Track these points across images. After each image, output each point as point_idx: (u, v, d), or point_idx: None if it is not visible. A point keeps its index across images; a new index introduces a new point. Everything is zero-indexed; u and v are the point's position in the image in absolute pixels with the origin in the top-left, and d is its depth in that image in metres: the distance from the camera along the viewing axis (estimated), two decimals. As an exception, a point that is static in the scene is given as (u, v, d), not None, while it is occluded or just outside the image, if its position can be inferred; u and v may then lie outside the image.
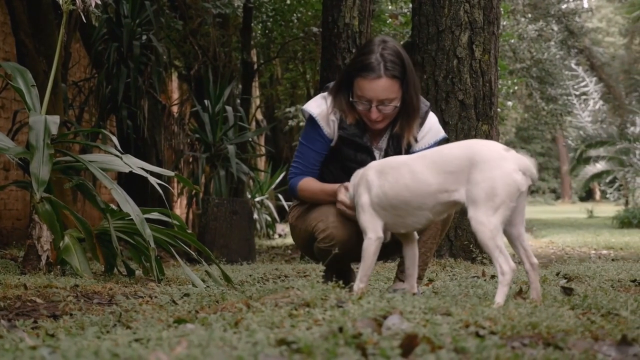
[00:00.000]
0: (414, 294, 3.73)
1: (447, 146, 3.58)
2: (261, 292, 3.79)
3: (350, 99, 3.97)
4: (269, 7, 14.25)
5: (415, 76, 3.97)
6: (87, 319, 3.18)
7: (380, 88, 3.86)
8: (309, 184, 4.11)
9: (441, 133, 4.16)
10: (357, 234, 3.87)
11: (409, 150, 4.04)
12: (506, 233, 3.47)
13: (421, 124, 4.07)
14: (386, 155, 4.04)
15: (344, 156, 4.08)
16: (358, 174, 3.78)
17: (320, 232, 3.98)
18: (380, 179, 3.62)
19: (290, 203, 16.81)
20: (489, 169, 3.33)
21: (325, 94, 4.12)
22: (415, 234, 3.83)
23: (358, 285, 3.64)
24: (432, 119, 4.15)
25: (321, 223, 3.98)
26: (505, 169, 3.32)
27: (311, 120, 4.10)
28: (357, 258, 4.06)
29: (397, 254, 4.18)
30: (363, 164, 3.87)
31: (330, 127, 4.07)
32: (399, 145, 4.06)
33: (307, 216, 4.10)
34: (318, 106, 4.10)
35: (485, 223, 3.32)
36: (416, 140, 4.06)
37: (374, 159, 4.01)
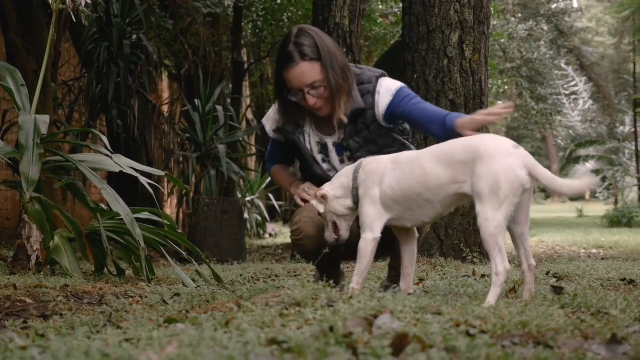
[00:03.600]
0: (409, 294, 3.73)
1: (458, 139, 3.56)
2: (252, 291, 3.79)
3: (286, 94, 4.00)
4: (259, 7, 14.24)
5: (336, 56, 3.94)
6: (77, 319, 3.17)
7: (302, 73, 3.89)
8: (278, 172, 4.35)
9: (394, 87, 4.03)
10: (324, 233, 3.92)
11: (371, 124, 4.02)
12: (510, 231, 3.47)
13: (373, 91, 4.01)
14: (356, 135, 4.02)
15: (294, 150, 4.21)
16: (364, 169, 3.71)
17: (293, 225, 4.06)
18: (396, 171, 3.59)
19: (281, 203, 16.73)
20: (493, 163, 3.31)
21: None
22: (416, 232, 3.83)
23: (353, 287, 3.62)
24: (383, 83, 4.05)
25: (297, 216, 4.06)
26: (508, 164, 3.30)
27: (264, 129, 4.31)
28: (338, 259, 4.10)
29: (388, 254, 4.18)
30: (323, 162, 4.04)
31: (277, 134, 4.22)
32: (361, 125, 4.02)
33: (297, 209, 4.17)
34: (269, 119, 4.23)
35: (491, 219, 3.30)
36: (348, 118, 4.00)
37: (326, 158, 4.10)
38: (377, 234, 3.63)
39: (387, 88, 4.03)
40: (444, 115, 3.81)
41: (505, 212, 3.31)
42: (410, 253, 3.83)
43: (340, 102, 3.95)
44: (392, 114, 3.99)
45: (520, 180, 3.31)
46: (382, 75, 4.09)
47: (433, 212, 3.60)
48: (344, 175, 3.79)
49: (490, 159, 3.33)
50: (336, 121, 4.00)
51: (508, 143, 3.39)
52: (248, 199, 15.30)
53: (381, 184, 3.62)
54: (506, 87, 21.68)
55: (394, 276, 4.15)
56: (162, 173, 5.66)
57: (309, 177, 4.18)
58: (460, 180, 3.43)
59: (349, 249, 3.91)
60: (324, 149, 4.09)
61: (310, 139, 4.10)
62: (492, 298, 3.28)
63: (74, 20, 5.94)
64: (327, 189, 3.78)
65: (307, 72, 3.89)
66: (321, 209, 3.77)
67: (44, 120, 4.88)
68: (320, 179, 4.06)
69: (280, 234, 16.26)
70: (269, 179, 16.16)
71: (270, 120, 4.19)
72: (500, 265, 3.31)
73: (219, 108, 11.11)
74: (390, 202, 3.61)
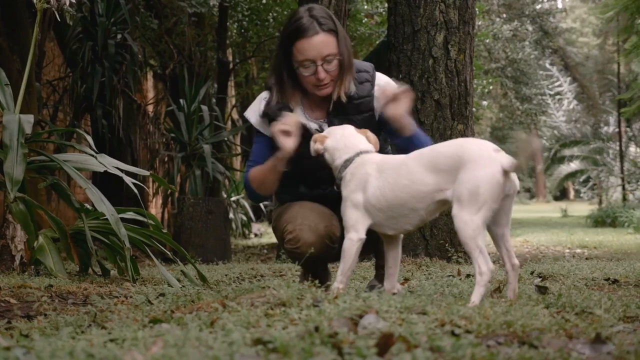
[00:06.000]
0: (393, 293, 3.72)
1: (441, 144, 3.56)
2: (237, 291, 3.78)
3: (296, 67, 3.94)
4: (244, 7, 14.22)
5: (345, 31, 4.00)
6: (62, 319, 3.16)
7: (321, 44, 3.86)
8: (255, 169, 4.07)
9: (394, 84, 4.09)
10: (324, 238, 3.88)
11: (366, 111, 4.05)
12: (490, 232, 3.47)
13: (372, 81, 4.06)
14: (348, 122, 3.98)
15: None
16: (351, 169, 3.68)
17: (288, 234, 3.95)
18: (380, 180, 3.57)
19: (266, 203, 16.71)
20: (475, 169, 3.31)
21: (264, 93, 4.13)
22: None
23: (336, 286, 3.61)
24: (382, 76, 4.14)
25: (290, 225, 3.95)
26: (491, 170, 3.30)
27: (251, 125, 4.15)
28: (329, 260, 4.07)
29: (371, 252, 4.17)
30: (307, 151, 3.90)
31: (263, 121, 4.08)
32: (353, 111, 4.03)
33: (281, 217, 4.09)
34: (253, 111, 4.12)
35: (468, 222, 3.30)
36: (357, 97, 4.02)
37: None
38: (362, 234, 3.62)
39: (387, 83, 4.09)
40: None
41: (483, 216, 3.31)
42: (394, 253, 3.81)
43: (346, 79, 3.97)
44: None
45: (500, 187, 3.31)
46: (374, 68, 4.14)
47: (417, 219, 3.59)
48: (337, 153, 3.76)
49: (472, 165, 3.33)
50: (335, 97, 3.98)
51: (489, 147, 3.38)
52: (233, 198, 15.30)
53: (365, 191, 3.60)
54: (491, 87, 21.77)
55: (381, 275, 4.15)
56: (147, 173, 5.64)
57: (295, 176, 4.13)
58: (444, 188, 3.43)
59: (326, 253, 3.91)
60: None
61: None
62: (476, 298, 3.28)
63: (59, 19, 5.91)
64: (329, 143, 3.80)
65: (326, 42, 3.87)
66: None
67: (28, 119, 4.86)
68: (307, 173, 4.05)
69: (266, 233, 16.26)
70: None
71: (256, 112, 4.10)
72: (483, 265, 3.31)
73: (204, 108, 11.10)
74: (373, 210, 3.60)
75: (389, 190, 3.54)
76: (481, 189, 3.29)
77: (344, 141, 3.76)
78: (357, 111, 4.02)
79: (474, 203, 3.29)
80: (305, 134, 3.92)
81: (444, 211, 3.67)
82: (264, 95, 4.11)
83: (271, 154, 4.02)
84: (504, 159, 3.34)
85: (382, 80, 4.09)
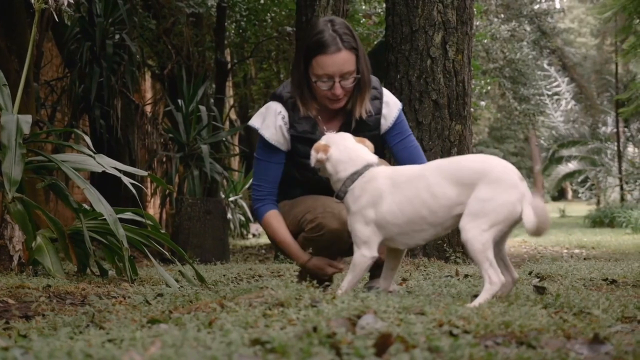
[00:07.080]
0: (389, 291, 3.70)
1: (463, 158, 3.52)
2: (235, 292, 3.78)
3: (313, 80, 3.93)
4: (242, 7, 14.21)
5: (363, 48, 4.00)
6: (60, 319, 3.15)
7: (342, 61, 3.86)
8: (277, 223, 4.07)
9: (398, 102, 4.19)
10: (346, 226, 3.77)
11: (374, 129, 4.07)
12: None
13: (380, 98, 4.09)
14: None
15: (298, 153, 4.04)
16: (360, 183, 3.59)
17: (309, 223, 3.93)
18: (395, 194, 3.49)
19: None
20: (499, 192, 3.30)
21: (270, 103, 4.11)
22: None
23: (339, 293, 3.54)
24: (387, 92, 4.18)
25: (309, 214, 3.94)
26: (513, 197, 3.29)
27: (261, 137, 4.09)
28: (342, 253, 4.03)
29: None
30: None
31: (279, 135, 4.05)
32: (362, 127, 4.03)
33: (290, 212, 4.07)
34: (267, 126, 4.07)
35: (477, 237, 3.29)
36: (370, 114, 4.05)
37: None
38: (375, 253, 3.57)
39: (394, 102, 4.15)
40: None
41: (492, 233, 3.30)
42: (395, 262, 3.78)
43: (364, 97, 3.99)
44: (388, 130, 4.08)
45: (516, 216, 3.32)
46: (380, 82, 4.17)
47: (433, 234, 3.55)
48: (342, 165, 3.64)
49: (496, 185, 3.31)
50: (355, 116, 4.00)
51: (514, 173, 3.37)
52: (231, 199, 15.29)
53: (377, 206, 3.51)
54: (489, 88, 21.76)
55: (374, 276, 4.14)
56: (145, 173, 5.64)
57: (293, 183, 4.14)
58: (463, 202, 3.38)
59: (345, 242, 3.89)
60: None
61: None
62: (478, 303, 3.24)
63: (57, 19, 5.91)
64: (333, 154, 3.67)
65: (346, 60, 3.87)
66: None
67: (27, 120, 4.86)
68: (306, 182, 4.05)
69: (264, 234, 16.24)
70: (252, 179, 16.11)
71: (271, 126, 4.05)
72: (494, 276, 3.28)
73: (202, 108, 11.11)
74: (387, 225, 3.52)
75: (408, 205, 3.47)
76: (500, 212, 3.29)
77: (349, 153, 3.66)
78: (367, 129, 4.03)
79: (488, 220, 3.28)
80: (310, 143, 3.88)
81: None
82: (277, 110, 4.06)
83: (276, 172, 4.09)
84: (526, 192, 3.34)
85: (390, 99, 4.14)
